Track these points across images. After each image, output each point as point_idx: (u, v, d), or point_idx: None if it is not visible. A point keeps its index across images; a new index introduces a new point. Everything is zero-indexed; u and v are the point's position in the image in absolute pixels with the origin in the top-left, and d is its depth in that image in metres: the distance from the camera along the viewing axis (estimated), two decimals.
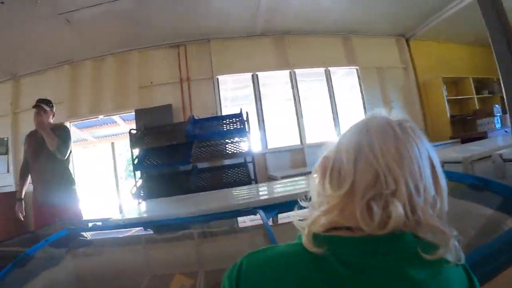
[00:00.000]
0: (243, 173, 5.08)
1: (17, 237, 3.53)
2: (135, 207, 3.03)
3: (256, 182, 4.74)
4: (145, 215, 2.57)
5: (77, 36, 5.75)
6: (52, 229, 3.99)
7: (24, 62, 6.56)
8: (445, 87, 7.13)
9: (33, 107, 3.98)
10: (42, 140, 3.79)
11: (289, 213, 2.21)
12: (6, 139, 6.61)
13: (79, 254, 2.20)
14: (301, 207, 0.88)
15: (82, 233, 2.49)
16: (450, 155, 3.04)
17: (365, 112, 7.02)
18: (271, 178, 5.58)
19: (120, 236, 2.31)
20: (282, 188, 3.09)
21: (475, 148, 3.28)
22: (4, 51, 5.93)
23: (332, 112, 6.93)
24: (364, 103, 7.09)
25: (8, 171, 6.59)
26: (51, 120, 4.08)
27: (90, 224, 4.17)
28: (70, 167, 4.14)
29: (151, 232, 2.28)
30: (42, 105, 3.96)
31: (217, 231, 2.15)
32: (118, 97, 6.58)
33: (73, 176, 4.15)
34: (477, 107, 7.34)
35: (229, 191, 3.42)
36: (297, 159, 6.56)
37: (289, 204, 2.07)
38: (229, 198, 2.97)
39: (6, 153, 6.61)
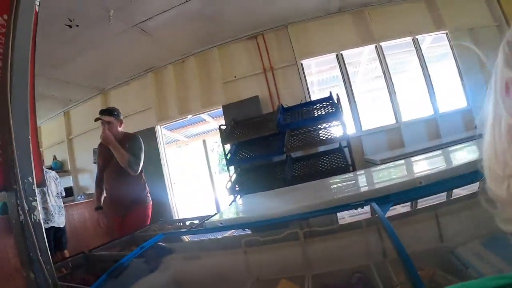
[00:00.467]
0: (339, 158, 4.85)
1: (118, 239, 3.71)
2: (232, 206, 2.95)
3: (354, 168, 4.50)
4: (243, 214, 2.47)
5: (154, 43, 5.95)
6: (150, 231, 4.13)
7: (110, 77, 7.05)
8: None
9: (95, 120, 3.66)
10: (111, 151, 3.58)
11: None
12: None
13: (177, 259, 2.15)
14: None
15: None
16: None
17: (462, 80, 6.40)
18: (369, 162, 5.27)
19: (219, 237, 2.24)
20: (389, 175, 2.85)
21: None
22: (90, 69, 6.35)
23: (426, 84, 6.35)
24: (459, 71, 6.41)
25: None
26: (120, 129, 3.83)
27: (187, 223, 4.26)
28: (142, 176, 3.97)
29: (251, 232, 2.17)
30: (103, 117, 3.63)
31: (323, 229, 1.97)
32: (204, 96, 6.72)
33: (145, 185, 3.99)
34: None
35: (328, 181, 3.23)
36: (394, 139, 6.16)
37: (404, 193, 1.89)
38: (332, 189, 2.81)
39: None
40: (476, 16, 6.58)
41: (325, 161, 4.93)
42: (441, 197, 2.10)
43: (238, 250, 1.99)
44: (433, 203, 2.01)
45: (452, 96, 6.48)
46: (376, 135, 6.19)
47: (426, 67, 6.37)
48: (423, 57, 6.40)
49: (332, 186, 2.96)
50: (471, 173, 1.80)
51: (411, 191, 1.89)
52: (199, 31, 6.05)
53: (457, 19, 6.45)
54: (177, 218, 6.66)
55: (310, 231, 1.99)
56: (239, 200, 3.21)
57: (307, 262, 1.92)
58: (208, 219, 4.00)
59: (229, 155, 5.30)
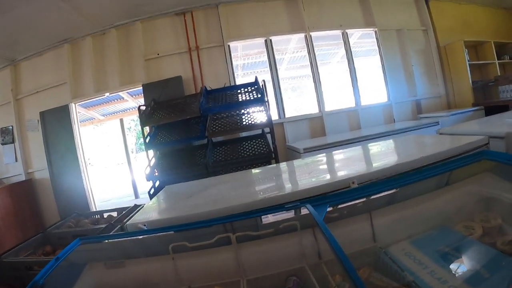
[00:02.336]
0: (261, 145, 4.79)
1: (29, 239, 3.38)
2: (155, 203, 2.72)
3: (276, 154, 4.44)
4: (169, 215, 2.27)
5: (73, 11, 5.41)
6: (63, 227, 3.80)
7: (21, 46, 6.29)
8: (467, 51, 6.84)
9: None
10: None
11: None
12: (11, 127, 6.51)
13: (98, 267, 1.90)
14: None
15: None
16: (491, 130, 2.83)
17: (385, 76, 6.80)
18: (291, 149, 5.35)
19: (142, 237, 2.03)
20: (320, 172, 2.80)
21: None
22: None
23: (351, 77, 6.63)
24: (383, 67, 6.81)
25: (16, 160, 6.54)
26: None
27: (105, 215, 3.98)
28: None
29: (179, 232, 1.99)
30: None
31: (256, 234, 1.87)
32: (124, 72, 6.31)
33: None
34: (498, 73, 7.12)
35: (256, 175, 3.15)
36: (316, 127, 6.33)
37: (340, 194, 1.85)
38: (263, 186, 2.71)
39: (13, 141, 6.53)
40: (405, 19, 7.05)
41: (247, 147, 4.85)
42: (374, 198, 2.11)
43: (166, 256, 1.82)
44: (366, 203, 2.02)
45: (374, 90, 6.87)
46: (299, 123, 6.28)
47: (353, 61, 6.62)
48: (350, 51, 6.63)
49: (261, 182, 2.88)
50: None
51: (347, 193, 1.88)
52: (124, 2, 5.64)
53: (387, 19, 6.82)
54: (92, 205, 6.36)
55: (242, 236, 1.88)
56: (162, 193, 2.98)
57: (241, 266, 1.80)
58: (127, 211, 3.77)
59: (148, 138, 5.02)
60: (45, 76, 6.49)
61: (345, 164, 2.93)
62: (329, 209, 1.71)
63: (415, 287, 1.46)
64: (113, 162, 11.74)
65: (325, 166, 3.01)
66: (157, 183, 4.58)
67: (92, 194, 6.45)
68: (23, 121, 6.49)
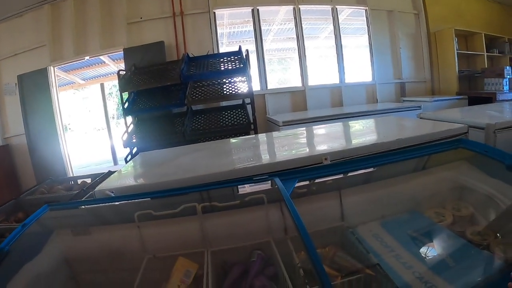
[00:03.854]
0: (241, 115, 4.77)
1: (1, 206, 3.30)
2: (125, 170, 2.67)
3: (255, 126, 4.42)
4: (137, 182, 2.23)
5: None
6: (36, 193, 3.72)
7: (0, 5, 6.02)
8: (456, 39, 6.81)
9: None
10: None
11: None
12: None
13: (65, 234, 1.87)
14: None
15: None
16: (472, 120, 2.82)
17: (372, 56, 6.77)
18: (271, 122, 5.31)
19: (110, 204, 1.98)
20: (294, 146, 2.77)
21: (495, 114, 3.11)
22: None
23: (337, 54, 6.57)
24: (371, 47, 6.78)
25: None
26: None
27: (79, 181, 3.91)
28: None
29: (147, 199, 1.96)
30: None
31: (223, 205, 1.85)
32: (105, 36, 6.12)
33: None
34: (486, 65, 7.11)
35: (230, 145, 3.12)
36: (298, 101, 6.30)
37: (310, 170, 1.81)
38: (234, 157, 2.67)
39: None
40: (397, 1, 6.98)
41: (226, 117, 4.82)
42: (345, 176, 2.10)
43: (131, 223, 1.78)
44: (336, 180, 2.00)
45: (359, 69, 6.89)
46: (280, 96, 6.24)
47: (340, 37, 6.56)
48: (338, 27, 6.55)
49: (234, 152, 2.84)
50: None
51: (318, 169, 1.85)
52: None
53: None
54: (69, 171, 6.26)
55: (208, 206, 1.85)
56: (135, 160, 2.93)
57: (206, 238, 1.78)
58: (101, 177, 3.72)
59: (126, 104, 4.91)
60: (24, 38, 6.25)
61: (321, 139, 2.92)
62: (298, 184, 1.68)
63: (379, 270, 1.44)
64: (93, 128, 11.56)
65: (300, 140, 2.98)
66: (134, 150, 4.53)
67: (69, 160, 6.35)
68: (0, 85, 6.29)
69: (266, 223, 1.77)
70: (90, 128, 11.90)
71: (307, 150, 2.57)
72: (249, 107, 4.77)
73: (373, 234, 1.72)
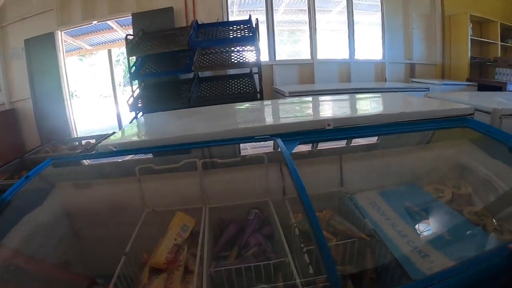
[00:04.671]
0: (248, 84, 4.74)
1: (5, 164, 3.32)
2: (129, 127, 2.68)
3: (262, 95, 4.40)
4: (140, 138, 2.24)
5: None
6: (40, 152, 3.74)
7: None
8: (471, 25, 6.62)
9: None
10: None
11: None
12: None
13: (67, 187, 1.90)
14: None
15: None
16: (479, 103, 2.75)
17: (383, 34, 6.63)
18: (277, 92, 5.27)
19: (112, 161, 2.00)
20: (298, 111, 2.76)
21: (503, 101, 3.01)
22: None
23: (348, 29, 6.45)
24: (383, 25, 6.62)
25: (0, 90, 6.28)
26: None
27: (83, 142, 3.91)
28: None
29: (149, 155, 1.96)
30: None
31: (223, 161, 1.84)
32: (113, 0, 5.99)
33: None
34: (499, 55, 6.90)
35: (234, 108, 3.11)
36: (306, 74, 6.23)
37: (312, 134, 1.83)
38: (237, 118, 2.69)
39: None
40: None
41: (233, 85, 4.79)
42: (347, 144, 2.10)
43: (132, 178, 1.79)
44: (338, 147, 2.04)
45: (369, 46, 6.74)
46: (288, 67, 6.19)
47: (352, 13, 6.42)
48: (351, 2, 6.40)
49: (237, 115, 2.85)
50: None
51: (320, 132, 1.86)
52: None
53: None
54: (75, 135, 6.25)
55: (209, 162, 1.85)
56: (139, 120, 2.93)
57: (204, 194, 1.79)
58: (105, 137, 3.73)
59: (133, 68, 4.89)
60: (31, 2, 6.14)
61: (326, 108, 2.92)
62: (299, 148, 1.69)
63: (374, 235, 1.46)
64: (100, 95, 11.54)
65: (305, 107, 2.98)
66: (140, 115, 4.52)
67: (75, 125, 6.37)
68: (7, 50, 6.19)
69: (265, 183, 1.78)
70: (96, 95, 11.88)
71: (311, 115, 2.57)
72: (256, 76, 4.73)
73: (370, 202, 1.74)
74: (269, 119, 2.56)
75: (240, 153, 1.99)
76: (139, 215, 1.71)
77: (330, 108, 2.81)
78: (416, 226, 1.55)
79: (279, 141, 1.61)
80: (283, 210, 1.65)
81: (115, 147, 1.93)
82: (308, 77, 6.21)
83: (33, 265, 1.52)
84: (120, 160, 1.95)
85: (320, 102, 3.16)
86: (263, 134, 1.76)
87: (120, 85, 10.64)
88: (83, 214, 1.80)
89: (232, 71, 5.27)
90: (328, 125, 1.91)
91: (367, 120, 2.09)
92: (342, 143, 2.04)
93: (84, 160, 2.14)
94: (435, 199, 1.72)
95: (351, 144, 2.02)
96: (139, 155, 1.98)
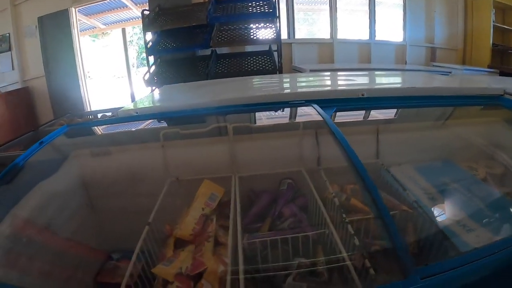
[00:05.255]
0: (267, 61, 4.61)
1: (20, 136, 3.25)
2: (150, 95, 2.55)
3: (281, 72, 4.35)
4: (163, 104, 2.11)
5: None
6: (55, 125, 3.66)
7: None
8: (494, 11, 6.39)
9: None
10: None
11: None
12: (7, 35, 6.14)
13: (83, 155, 1.78)
14: None
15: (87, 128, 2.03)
16: (505, 86, 2.62)
17: (405, 16, 6.44)
18: (296, 71, 5.15)
19: (133, 129, 1.90)
20: (330, 82, 2.64)
21: None
22: None
23: (369, 10, 6.27)
24: (404, 7, 6.43)
25: (13, 68, 6.23)
26: None
27: (99, 116, 3.81)
28: None
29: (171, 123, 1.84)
30: None
31: (255, 126, 1.72)
32: None
33: None
34: None
35: (262, 79, 2.97)
36: (325, 54, 6.07)
37: (349, 101, 1.72)
38: (267, 86, 2.54)
39: (9, 49, 6.19)
40: None
41: (251, 62, 4.67)
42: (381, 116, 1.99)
43: (155, 144, 1.69)
44: (374, 120, 1.96)
45: (390, 28, 6.56)
46: (307, 46, 6.03)
47: None
48: None
49: (266, 83, 2.69)
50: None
51: (356, 100, 1.73)
52: None
53: None
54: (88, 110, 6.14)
55: (239, 127, 1.72)
56: (158, 90, 2.80)
57: (234, 162, 1.67)
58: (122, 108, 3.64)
59: (150, 43, 4.79)
60: None
61: (356, 80, 2.76)
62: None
63: (417, 207, 1.36)
64: (113, 76, 11.52)
65: (333, 80, 2.83)
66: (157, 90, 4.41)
67: (89, 102, 6.29)
68: (20, 28, 6.10)
69: (299, 152, 1.66)
70: (110, 76, 11.86)
71: (343, 85, 2.42)
72: (275, 54, 4.63)
73: (406, 175, 1.63)
74: (302, 86, 2.41)
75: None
76: (161, 185, 1.60)
77: (360, 81, 2.67)
78: (457, 202, 1.45)
79: (317, 106, 1.48)
80: (318, 181, 1.53)
81: (137, 112, 1.81)
82: (328, 57, 6.06)
83: (46, 237, 1.42)
84: (142, 127, 1.84)
85: (348, 75, 3.03)
86: (298, 100, 1.63)
87: (133, 66, 10.59)
88: (100, 184, 1.69)
89: (250, 49, 5.12)
90: (362, 94, 1.78)
91: (402, 92, 1.97)
92: (376, 115, 1.93)
93: (102, 128, 2.04)
94: (473, 177, 1.60)
95: (385, 116, 1.92)
96: (162, 123, 1.87)
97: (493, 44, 6.47)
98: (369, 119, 1.96)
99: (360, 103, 1.71)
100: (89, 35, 9.49)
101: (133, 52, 11.43)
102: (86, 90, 6.28)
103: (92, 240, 1.63)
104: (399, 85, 2.25)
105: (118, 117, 1.82)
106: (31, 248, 1.30)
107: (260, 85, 2.59)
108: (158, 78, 4.54)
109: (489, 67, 6.17)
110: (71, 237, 1.53)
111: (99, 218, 1.69)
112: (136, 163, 1.72)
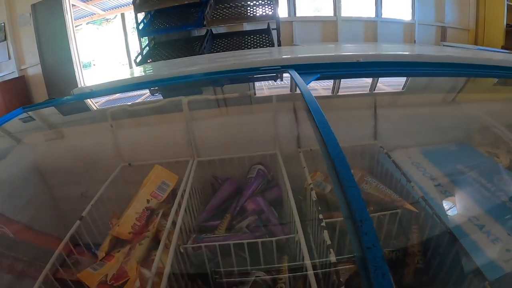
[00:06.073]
0: (265, 40, 4.36)
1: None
2: (119, 72, 2.30)
3: None
4: (122, 79, 1.85)
5: None
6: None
7: None
8: None
9: None
10: None
11: None
12: (2, 24, 6.03)
13: (37, 139, 1.60)
14: None
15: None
16: None
17: None
18: None
19: (91, 111, 1.69)
20: (321, 50, 2.34)
21: None
22: None
23: None
24: None
25: (9, 58, 6.14)
26: None
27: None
28: None
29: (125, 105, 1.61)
30: None
31: (214, 97, 1.43)
32: None
33: None
34: None
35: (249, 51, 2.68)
36: (329, 32, 5.76)
37: (337, 66, 1.38)
38: (246, 57, 2.24)
39: (5, 39, 6.09)
40: None
41: (249, 41, 4.43)
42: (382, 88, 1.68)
43: (104, 124, 1.48)
44: (371, 92, 1.60)
45: (398, 5, 6.22)
46: (310, 25, 5.74)
47: None
48: None
49: (247, 56, 2.38)
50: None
51: (346, 66, 1.40)
52: None
53: None
54: None
55: (197, 100, 1.42)
56: (138, 67, 2.55)
57: (192, 144, 1.38)
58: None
59: (141, 24, 4.59)
60: None
61: (354, 48, 2.46)
62: (321, 87, 1.27)
63: (425, 206, 1.01)
64: (117, 62, 11.41)
65: (330, 47, 2.52)
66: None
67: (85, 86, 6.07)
68: (15, 17, 5.97)
69: (273, 131, 1.35)
70: (115, 63, 11.77)
71: (336, 51, 2.11)
72: (274, 33, 4.38)
73: (412, 161, 1.30)
74: (284, 54, 2.11)
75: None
76: (112, 171, 1.34)
77: (359, 48, 2.36)
78: (479, 201, 1.07)
79: (293, 72, 1.16)
80: (296, 166, 1.23)
81: (91, 90, 1.59)
82: (331, 36, 5.73)
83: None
84: (97, 108, 1.59)
85: (347, 45, 2.72)
86: (274, 66, 1.32)
87: (135, 51, 10.51)
88: (54, 169, 1.48)
89: (248, 27, 4.90)
90: (358, 60, 1.44)
91: (408, 58, 1.68)
92: (374, 85, 1.62)
93: (59, 109, 1.79)
94: (495, 162, 1.26)
95: (385, 89, 1.62)
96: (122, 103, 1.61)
97: (507, 24, 6.13)
98: (365, 86, 1.64)
99: (351, 69, 1.39)
100: (92, 23, 9.31)
101: (136, 39, 11.30)
102: (82, 76, 6.11)
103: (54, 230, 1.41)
104: (405, 51, 1.90)
105: (73, 95, 1.65)
106: None
107: (240, 56, 2.29)
108: (152, 60, 4.35)
109: (503, 48, 5.83)
110: (28, 225, 1.32)
111: (59, 206, 1.49)
112: (89, 147, 1.49)
